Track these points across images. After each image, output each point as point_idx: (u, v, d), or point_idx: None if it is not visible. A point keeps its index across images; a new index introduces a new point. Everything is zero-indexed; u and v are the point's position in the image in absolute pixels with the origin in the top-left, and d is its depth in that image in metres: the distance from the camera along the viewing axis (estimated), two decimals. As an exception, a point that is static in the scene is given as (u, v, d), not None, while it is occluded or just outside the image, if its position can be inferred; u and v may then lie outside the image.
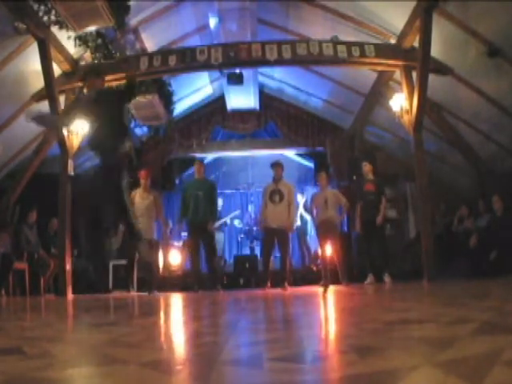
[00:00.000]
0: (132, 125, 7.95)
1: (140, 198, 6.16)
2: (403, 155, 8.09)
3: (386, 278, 5.87)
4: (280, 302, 3.73)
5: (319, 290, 5.34)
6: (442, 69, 6.01)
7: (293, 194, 5.98)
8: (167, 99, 7.34)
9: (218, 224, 8.66)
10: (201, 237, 5.85)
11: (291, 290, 5.47)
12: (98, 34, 5.76)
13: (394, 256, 6.80)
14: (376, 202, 6.08)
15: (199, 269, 6.00)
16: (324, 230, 6.11)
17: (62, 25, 5.08)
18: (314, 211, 6.22)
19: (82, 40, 5.77)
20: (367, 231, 6.13)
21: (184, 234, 10.05)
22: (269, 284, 5.79)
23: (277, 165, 6.06)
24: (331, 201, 6.09)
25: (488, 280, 4.79)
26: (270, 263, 6.09)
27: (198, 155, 10.06)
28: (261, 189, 6.70)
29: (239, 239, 9.55)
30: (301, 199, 9.20)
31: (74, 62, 6.24)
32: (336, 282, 6.14)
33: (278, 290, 5.46)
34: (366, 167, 6.38)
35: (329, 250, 6.19)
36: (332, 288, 5.50)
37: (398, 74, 6.34)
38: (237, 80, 7.49)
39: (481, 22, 5.12)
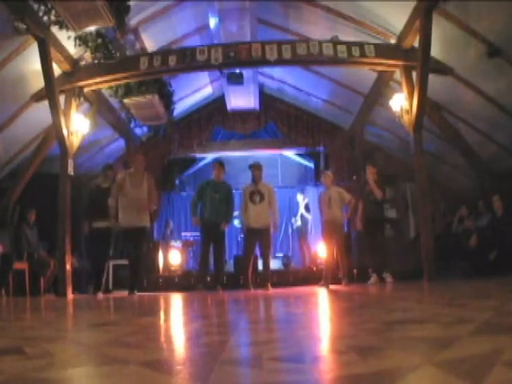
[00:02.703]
0: (132, 125, 7.95)
1: (130, 186, 5.39)
2: (403, 155, 8.09)
3: (388, 278, 5.87)
4: (279, 302, 3.73)
5: (319, 290, 5.34)
6: (442, 69, 6.01)
7: (273, 194, 6.03)
8: (167, 99, 7.33)
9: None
10: (213, 236, 5.84)
11: (296, 290, 5.47)
12: (98, 33, 5.75)
13: (394, 256, 6.80)
14: (377, 201, 6.13)
15: (207, 269, 5.99)
16: (328, 230, 6.12)
17: (61, 25, 5.08)
18: (323, 210, 6.26)
19: (82, 40, 5.76)
20: (369, 229, 6.14)
21: (185, 234, 10.06)
22: (251, 285, 5.81)
23: (255, 166, 6.13)
24: (335, 199, 6.11)
25: (488, 280, 4.79)
26: (256, 264, 6.14)
27: (198, 155, 10.05)
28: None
29: (239, 239, 9.54)
30: (302, 199, 9.19)
31: (73, 62, 6.24)
32: (336, 282, 6.13)
33: (260, 291, 5.46)
34: (370, 170, 6.41)
35: (332, 250, 6.19)
36: (332, 288, 5.50)
37: (398, 74, 6.33)
38: (237, 80, 7.48)
39: (481, 22, 5.11)
